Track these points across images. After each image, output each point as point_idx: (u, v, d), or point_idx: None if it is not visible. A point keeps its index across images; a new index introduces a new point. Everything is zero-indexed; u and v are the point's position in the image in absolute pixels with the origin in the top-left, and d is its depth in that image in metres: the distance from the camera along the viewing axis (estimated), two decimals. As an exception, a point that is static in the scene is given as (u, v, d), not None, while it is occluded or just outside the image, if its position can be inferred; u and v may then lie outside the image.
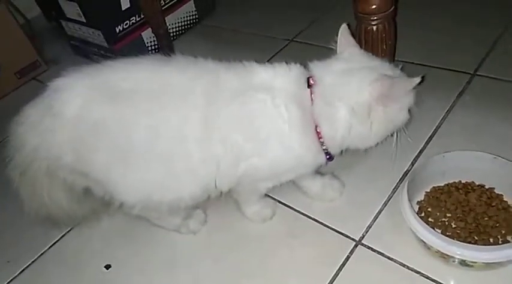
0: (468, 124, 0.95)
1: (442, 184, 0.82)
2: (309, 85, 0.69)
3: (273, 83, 0.70)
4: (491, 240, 0.72)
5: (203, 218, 0.89)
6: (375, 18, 0.78)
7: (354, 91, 0.66)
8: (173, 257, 0.85)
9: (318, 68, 0.71)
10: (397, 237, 0.77)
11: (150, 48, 1.49)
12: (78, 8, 1.38)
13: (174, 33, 1.54)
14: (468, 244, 0.68)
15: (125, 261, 0.87)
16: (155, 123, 0.67)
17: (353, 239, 0.80)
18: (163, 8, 1.43)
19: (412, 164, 0.90)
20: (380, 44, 0.80)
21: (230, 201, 0.85)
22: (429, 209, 0.79)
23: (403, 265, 0.74)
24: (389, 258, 0.76)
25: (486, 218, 0.75)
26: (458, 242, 0.67)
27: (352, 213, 0.84)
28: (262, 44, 1.42)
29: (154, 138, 0.67)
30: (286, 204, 0.90)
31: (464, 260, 0.67)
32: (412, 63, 1.14)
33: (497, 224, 0.74)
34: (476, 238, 0.73)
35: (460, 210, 0.77)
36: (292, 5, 1.56)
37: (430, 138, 0.95)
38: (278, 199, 0.91)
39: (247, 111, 0.69)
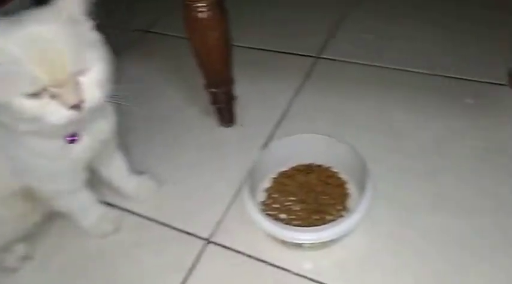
0: (314, 106, 0.98)
1: (287, 168, 0.83)
2: None
3: None
4: (329, 218, 0.75)
5: (22, 253, 0.77)
6: (202, 4, 0.73)
7: None
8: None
9: None
10: (247, 229, 0.76)
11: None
12: None
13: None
14: (297, 227, 0.69)
15: None
16: None
17: (202, 238, 0.77)
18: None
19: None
20: (210, 32, 0.75)
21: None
22: (275, 195, 0.80)
23: (254, 258, 0.73)
24: (240, 252, 0.75)
25: (324, 197, 0.78)
26: (290, 226, 0.69)
27: (201, 211, 0.81)
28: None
29: None
30: (130, 210, 0.83)
31: (307, 243, 0.69)
32: (256, 48, 1.15)
33: (333, 202, 0.77)
34: (316, 217, 0.75)
35: (302, 191, 0.79)
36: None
37: (279, 122, 0.95)
38: (123, 206, 0.83)
39: None
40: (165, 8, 1.38)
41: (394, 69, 1.04)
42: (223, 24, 0.78)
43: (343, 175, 0.81)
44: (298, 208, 0.77)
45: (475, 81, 0.98)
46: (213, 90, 0.87)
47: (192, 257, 0.74)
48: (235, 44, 1.18)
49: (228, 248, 0.75)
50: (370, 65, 1.06)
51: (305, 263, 0.71)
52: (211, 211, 0.80)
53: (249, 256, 0.73)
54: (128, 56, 1.20)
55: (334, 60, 1.10)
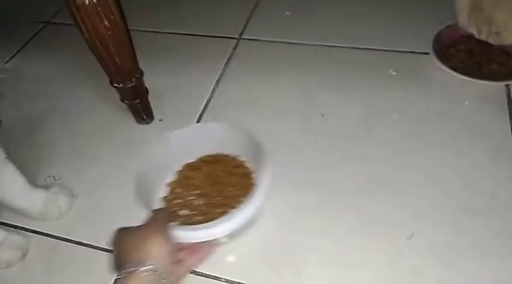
0: (237, 92, 0.92)
1: (194, 160, 0.78)
2: None
3: None
4: (231, 211, 0.69)
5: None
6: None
7: None
8: None
9: None
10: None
11: None
12: None
13: None
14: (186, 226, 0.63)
15: None
16: None
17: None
18: None
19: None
20: (100, 20, 0.66)
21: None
22: (178, 189, 0.75)
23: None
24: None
25: (230, 189, 0.73)
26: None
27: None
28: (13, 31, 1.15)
29: None
30: (37, 230, 0.73)
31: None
32: (176, 33, 1.06)
33: (239, 193, 0.72)
34: (219, 211, 0.70)
35: (207, 184, 0.74)
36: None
37: (201, 113, 0.88)
38: (30, 227, 0.73)
39: None
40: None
41: (316, 45, 1.00)
42: (115, 11, 0.68)
43: (250, 164, 0.76)
44: (201, 203, 0.71)
45: (397, 51, 0.96)
46: (118, 85, 0.78)
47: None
48: (143, 29, 1.09)
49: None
50: (291, 43, 1.01)
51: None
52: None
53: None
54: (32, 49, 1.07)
55: (256, 40, 1.04)
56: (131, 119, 0.88)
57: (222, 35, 1.06)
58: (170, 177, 0.76)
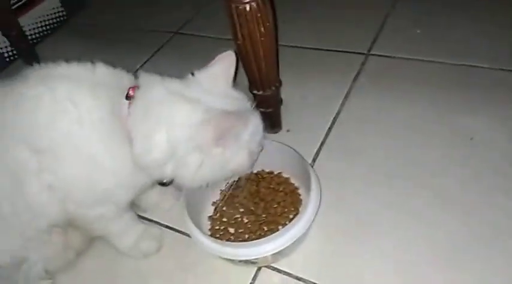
0: (367, 107, 0.87)
1: (236, 179, 0.72)
2: (128, 96, 0.56)
3: (70, 75, 0.56)
4: (280, 228, 0.66)
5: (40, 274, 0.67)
6: (248, -5, 0.65)
7: (179, 124, 0.54)
8: None
9: (147, 80, 0.58)
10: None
11: (6, 55, 1.22)
12: None
13: (37, 35, 1.29)
14: (234, 243, 0.62)
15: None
16: None
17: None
18: (16, 6, 1.19)
19: (314, 160, 0.80)
20: (257, 26, 0.67)
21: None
22: (224, 208, 0.72)
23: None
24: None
25: (275, 206, 0.69)
26: (227, 242, 0.61)
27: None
28: (144, 40, 1.26)
29: None
30: (174, 228, 0.74)
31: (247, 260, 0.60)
32: (302, 47, 1.06)
33: (286, 210, 0.68)
34: (265, 228, 0.67)
35: (251, 202, 0.71)
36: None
37: (330, 127, 0.85)
38: (165, 223, 0.74)
39: (20, 112, 0.54)
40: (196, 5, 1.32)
41: (451, 64, 0.91)
42: (271, 18, 0.69)
43: (295, 181, 0.72)
44: (247, 220, 0.69)
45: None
46: (258, 92, 0.79)
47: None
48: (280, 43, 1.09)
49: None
50: (423, 61, 0.94)
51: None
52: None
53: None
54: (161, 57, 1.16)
55: (385, 56, 0.99)
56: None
57: (350, 50, 1.03)
58: (215, 196, 0.74)
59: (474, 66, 0.89)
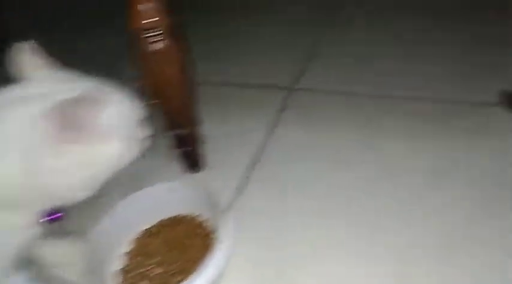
0: (291, 142, 0.87)
1: (150, 225, 0.69)
2: None
3: None
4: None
5: None
6: (156, 33, 0.62)
7: (24, 127, 0.44)
8: None
9: None
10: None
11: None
12: None
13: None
14: None
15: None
16: None
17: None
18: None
19: (237, 195, 0.76)
20: (166, 65, 0.64)
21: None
22: (138, 258, 0.66)
23: None
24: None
25: (192, 251, 0.64)
26: None
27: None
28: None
29: None
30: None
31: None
32: (223, 85, 1.05)
33: (200, 255, 0.61)
34: (179, 279, 0.61)
35: (164, 250, 0.65)
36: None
37: (253, 162, 0.83)
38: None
39: None
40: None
41: (375, 95, 0.96)
42: (182, 55, 0.67)
43: (212, 223, 0.67)
44: (160, 271, 0.63)
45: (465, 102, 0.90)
46: (177, 132, 0.75)
47: None
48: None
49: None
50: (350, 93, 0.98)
51: None
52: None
53: None
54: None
55: (310, 90, 1.01)
56: (179, 168, 0.83)
57: (274, 84, 1.04)
58: (128, 246, 0.67)
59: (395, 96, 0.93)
